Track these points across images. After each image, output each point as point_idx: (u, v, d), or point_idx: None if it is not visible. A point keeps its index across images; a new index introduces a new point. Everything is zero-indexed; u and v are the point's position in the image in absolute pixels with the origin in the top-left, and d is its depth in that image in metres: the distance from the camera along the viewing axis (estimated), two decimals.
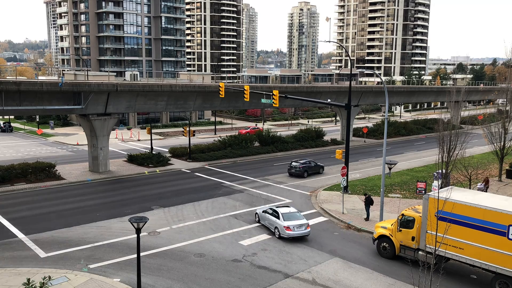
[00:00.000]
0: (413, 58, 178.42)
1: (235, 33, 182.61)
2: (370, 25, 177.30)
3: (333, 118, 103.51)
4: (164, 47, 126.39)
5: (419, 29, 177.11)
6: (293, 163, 45.19)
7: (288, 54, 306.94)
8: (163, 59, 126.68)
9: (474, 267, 21.98)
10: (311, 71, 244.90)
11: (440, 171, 29.47)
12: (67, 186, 40.13)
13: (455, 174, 35.53)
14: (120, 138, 69.94)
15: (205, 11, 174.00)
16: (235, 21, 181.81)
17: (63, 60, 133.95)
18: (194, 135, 55.92)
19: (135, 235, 17.61)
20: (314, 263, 23.78)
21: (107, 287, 20.34)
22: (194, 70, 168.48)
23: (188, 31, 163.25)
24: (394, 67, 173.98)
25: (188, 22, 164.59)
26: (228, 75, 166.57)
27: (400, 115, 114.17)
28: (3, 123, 79.76)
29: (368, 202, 31.04)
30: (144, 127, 79.53)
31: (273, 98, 38.37)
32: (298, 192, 38.69)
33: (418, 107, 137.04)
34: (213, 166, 49.16)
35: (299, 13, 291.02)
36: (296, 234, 26.68)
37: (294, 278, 21.98)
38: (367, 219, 30.82)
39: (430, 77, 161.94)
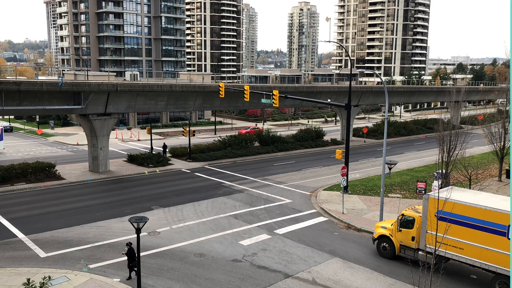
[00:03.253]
0: (413, 58, 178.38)
1: (235, 33, 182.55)
2: (370, 25, 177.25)
3: (333, 118, 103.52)
4: (164, 47, 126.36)
5: (419, 29, 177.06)
6: None
7: (288, 54, 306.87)
8: (163, 59, 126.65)
9: (474, 267, 21.98)
10: (311, 71, 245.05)
11: (440, 171, 29.47)
12: (67, 186, 40.12)
13: (455, 174, 35.53)
14: (120, 138, 69.92)
15: (205, 11, 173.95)
16: (235, 21, 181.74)
17: (63, 60, 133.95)
18: (194, 135, 55.92)
19: (135, 235, 17.63)
20: (314, 263, 23.77)
21: (107, 287, 20.34)
22: (194, 70, 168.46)
23: (188, 31, 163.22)
24: (394, 67, 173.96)
25: (188, 22, 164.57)
26: (228, 75, 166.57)
27: (400, 115, 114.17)
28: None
29: (165, 147, 52.43)
30: (144, 127, 79.52)
31: (273, 98, 38.35)
32: (298, 192, 38.68)
33: (418, 107, 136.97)
34: (213, 166, 49.16)
35: (299, 13, 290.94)
36: None
37: (294, 278, 21.97)
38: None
39: (430, 77, 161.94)
